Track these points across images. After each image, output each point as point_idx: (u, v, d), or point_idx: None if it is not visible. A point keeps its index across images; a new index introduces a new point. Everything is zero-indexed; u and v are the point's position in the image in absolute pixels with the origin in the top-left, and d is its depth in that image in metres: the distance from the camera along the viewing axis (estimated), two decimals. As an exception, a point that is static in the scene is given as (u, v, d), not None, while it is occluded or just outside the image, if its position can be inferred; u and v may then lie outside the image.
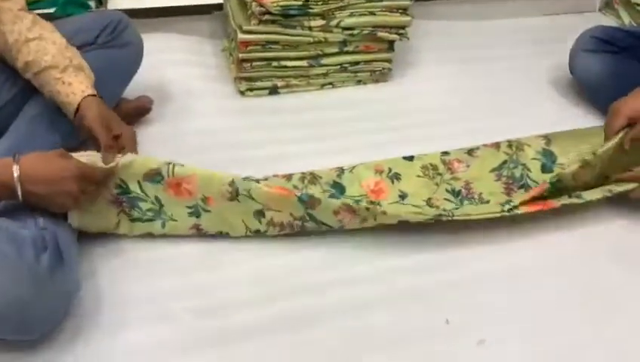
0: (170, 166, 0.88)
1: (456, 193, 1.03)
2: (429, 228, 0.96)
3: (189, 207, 0.91)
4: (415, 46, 1.42)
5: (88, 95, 0.92)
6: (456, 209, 0.98)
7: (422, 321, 0.84)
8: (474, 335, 0.83)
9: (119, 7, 1.31)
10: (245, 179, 0.91)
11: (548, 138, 1.13)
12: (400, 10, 1.33)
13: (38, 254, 0.74)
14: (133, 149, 0.95)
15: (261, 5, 1.23)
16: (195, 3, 1.46)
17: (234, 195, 0.90)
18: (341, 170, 1.06)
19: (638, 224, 1.01)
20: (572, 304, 0.88)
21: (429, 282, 0.89)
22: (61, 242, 0.79)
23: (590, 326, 0.85)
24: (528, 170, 1.08)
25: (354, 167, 1.06)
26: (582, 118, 1.27)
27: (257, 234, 0.93)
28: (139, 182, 0.89)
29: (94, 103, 0.93)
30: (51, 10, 1.34)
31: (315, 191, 1.01)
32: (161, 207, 0.90)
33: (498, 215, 0.95)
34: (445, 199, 1.02)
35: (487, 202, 1.01)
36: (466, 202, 1.01)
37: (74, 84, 0.92)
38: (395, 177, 1.05)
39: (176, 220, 0.91)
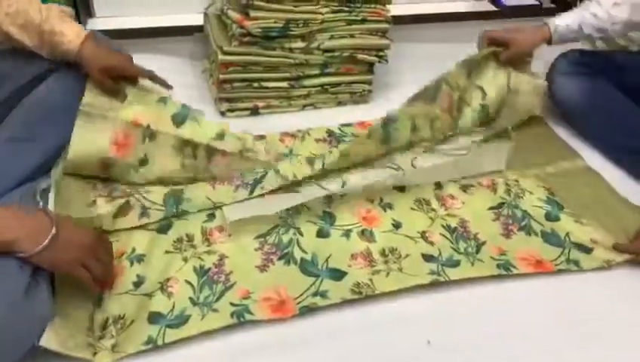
0: (160, 341, 0.79)
1: (452, 230, 0.97)
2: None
3: None
4: (394, 68, 1.41)
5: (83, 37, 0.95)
6: (453, 267, 0.89)
7: (404, 342, 0.81)
8: (457, 358, 0.80)
9: (97, 28, 1.30)
10: (239, 313, 0.82)
11: (552, 189, 1.06)
12: (379, 33, 1.32)
13: (14, 278, 0.70)
14: (134, 71, 1.01)
15: (242, 27, 1.21)
16: (176, 24, 1.44)
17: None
18: (330, 199, 1.01)
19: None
20: (558, 328, 0.85)
21: (414, 304, 0.86)
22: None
23: (576, 351, 0.82)
24: (530, 216, 1.01)
25: (344, 196, 1.02)
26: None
27: None
28: None
29: (87, 51, 0.94)
30: None
31: (300, 222, 0.96)
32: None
33: (495, 273, 0.90)
34: (441, 235, 0.96)
35: (484, 243, 0.94)
36: (461, 242, 0.95)
37: (65, 32, 0.94)
38: (388, 206, 1.01)
39: None
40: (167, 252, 0.91)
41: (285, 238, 0.93)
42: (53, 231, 0.72)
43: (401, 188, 1.05)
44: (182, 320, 0.81)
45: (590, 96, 1.20)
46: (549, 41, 1.21)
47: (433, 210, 1.01)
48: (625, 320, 0.87)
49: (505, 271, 0.89)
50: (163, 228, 0.95)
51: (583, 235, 0.96)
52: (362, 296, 0.85)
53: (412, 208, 1.01)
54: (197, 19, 1.47)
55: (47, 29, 0.93)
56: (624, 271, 0.94)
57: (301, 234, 0.94)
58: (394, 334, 0.83)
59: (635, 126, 1.16)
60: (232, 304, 0.83)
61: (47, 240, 0.72)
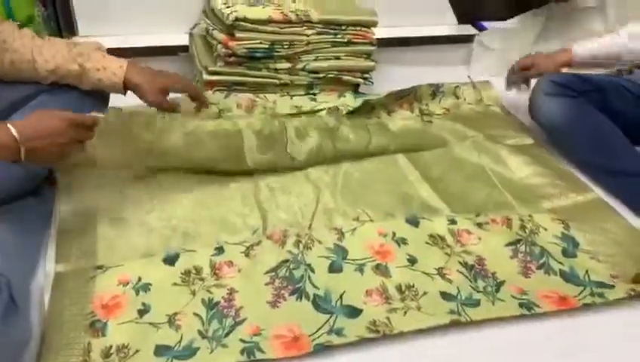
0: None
1: (469, 267, 0.92)
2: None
3: None
4: (379, 89, 1.37)
5: (125, 68, 0.98)
6: (473, 307, 0.84)
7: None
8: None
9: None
10: (250, 350, 0.76)
11: (566, 223, 1.02)
12: (364, 55, 1.31)
13: None
14: (189, 86, 1.08)
15: (227, 47, 1.19)
16: (161, 44, 1.38)
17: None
18: (341, 233, 0.95)
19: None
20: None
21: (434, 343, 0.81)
22: (15, 290, 0.73)
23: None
24: (547, 252, 0.96)
25: (355, 229, 0.96)
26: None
27: None
28: None
29: (134, 74, 0.98)
30: None
31: (311, 258, 0.90)
32: None
33: (518, 313, 0.84)
34: (458, 272, 0.90)
35: (503, 283, 0.89)
36: (480, 281, 0.89)
37: (107, 66, 0.96)
38: (402, 241, 0.95)
39: None
40: (174, 284, 0.85)
41: (297, 274, 0.87)
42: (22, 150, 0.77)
43: (414, 223, 0.99)
44: (190, 352, 0.76)
45: (572, 117, 1.20)
46: (570, 64, 1.29)
47: (448, 246, 0.95)
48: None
49: (527, 310, 0.84)
50: (170, 259, 0.89)
51: (602, 271, 0.92)
52: (380, 334, 0.79)
53: (427, 243, 0.95)
54: (182, 40, 1.43)
55: (89, 67, 0.95)
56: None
57: (312, 270, 0.88)
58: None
59: (615, 148, 1.16)
60: (241, 340, 0.77)
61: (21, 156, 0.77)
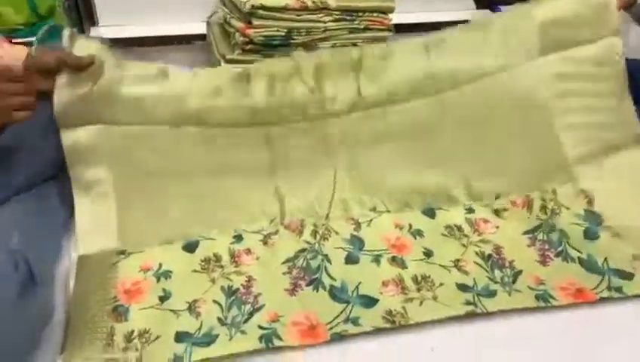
0: (189, 349, 0.75)
1: (486, 257, 0.90)
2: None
3: None
4: None
5: None
6: (489, 298, 0.83)
7: (408, 348, 0.78)
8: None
9: (101, 37, 1.27)
10: (268, 337, 0.77)
11: (589, 196, 0.96)
12: (381, 41, 1.29)
13: (7, 277, 0.69)
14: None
15: (244, 35, 1.18)
16: (178, 33, 1.38)
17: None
18: (358, 224, 0.95)
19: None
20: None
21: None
22: (34, 264, 0.74)
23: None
24: (566, 236, 0.92)
25: (371, 220, 0.96)
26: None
27: None
28: None
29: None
30: (30, 39, 1.33)
31: (327, 249, 0.90)
32: None
33: (534, 305, 0.83)
34: (475, 263, 0.88)
35: (521, 272, 0.87)
36: (497, 271, 0.87)
37: None
38: (418, 234, 0.94)
39: None
40: (194, 271, 0.86)
41: (313, 264, 0.87)
42: None
43: (430, 214, 0.97)
44: (210, 339, 0.76)
45: None
46: None
47: (465, 235, 0.93)
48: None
49: (544, 302, 0.82)
50: (190, 246, 0.90)
51: (622, 256, 0.88)
52: (395, 325, 0.79)
53: (443, 234, 0.94)
54: (199, 28, 1.45)
55: None
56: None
57: (329, 261, 0.88)
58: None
59: None
60: (260, 327, 0.78)
61: None
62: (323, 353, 0.77)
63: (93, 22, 1.41)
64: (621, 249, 0.90)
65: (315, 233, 0.92)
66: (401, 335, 0.79)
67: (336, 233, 0.93)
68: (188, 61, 1.37)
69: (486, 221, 0.96)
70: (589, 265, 0.88)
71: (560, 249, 0.91)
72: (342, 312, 0.80)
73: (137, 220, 0.91)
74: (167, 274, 0.85)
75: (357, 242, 0.92)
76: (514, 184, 1.00)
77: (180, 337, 0.77)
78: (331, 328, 0.78)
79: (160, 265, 0.86)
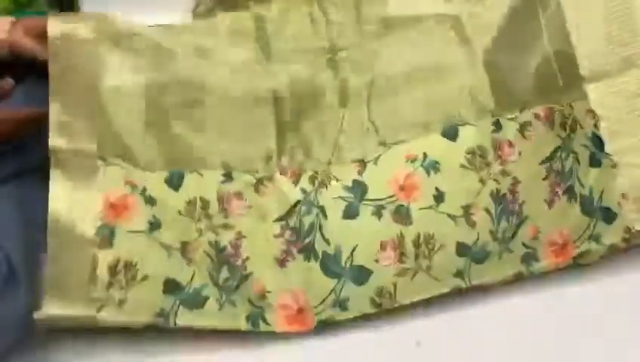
0: (171, 319, 0.75)
1: (499, 199, 0.84)
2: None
3: None
4: None
5: None
6: (479, 263, 0.84)
7: (392, 341, 0.81)
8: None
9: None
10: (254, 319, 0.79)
11: (594, 114, 0.85)
12: None
13: None
14: None
15: None
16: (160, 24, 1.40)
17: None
18: (363, 164, 0.86)
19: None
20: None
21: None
22: (15, 261, 0.74)
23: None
24: (577, 161, 0.86)
25: (379, 156, 0.86)
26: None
27: None
28: None
29: None
30: None
31: (325, 199, 0.84)
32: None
33: (516, 270, 0.84)
34: (485, 210, 0.84)
35: (524, 221, 0.86)
36: (503, 222, 0.85)
37: None
38: (432, 167, 0.85)
39: None
40: (180, 213, 0.81)
41: (307, 221, 0.83)
42: None
43: (452, 135, 0.88)
44: (198, 300, 0.77)
45: None
46: None
47: (487, 164, 0.86)
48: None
49: (526, 265, 0.84)
50: (174, 180, 0.83)
51: (613, 187, 0.85)
52: (381, 308, 0.81)
53: (462, 165, 0.86)
54: (186, 19, 1.44)
55: None
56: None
57: (325, 215, 0.83)
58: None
59: None
60: (249, 301, 0.79)
61: None
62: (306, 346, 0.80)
63: (75, 11, 1.37)
64: (614, 177, 0.87)
65: (313, 179, 0.85)
66: (387, 326, 0.83)
67: (337, 180, 0.86)
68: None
69: (510, 145, 0.88)
70: (587, 204, 0.87)
71: (569, 183, 0.87)
72: (332, 291, 0.81)
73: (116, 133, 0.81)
74: (153, 201, 0.79)
75: (358, 189, 0.85)
76: (537, 93, 0.91)
77: (169, 287, 0.76)
78: (318, 313, 0.79)
79: (144, 188, 0.79)
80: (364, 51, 0.91)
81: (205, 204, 0.82)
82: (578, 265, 0.87)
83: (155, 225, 0.77)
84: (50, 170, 0.73)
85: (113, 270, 0.73)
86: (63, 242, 0.72)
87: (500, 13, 0.92)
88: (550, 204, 0.87)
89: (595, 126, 0.87)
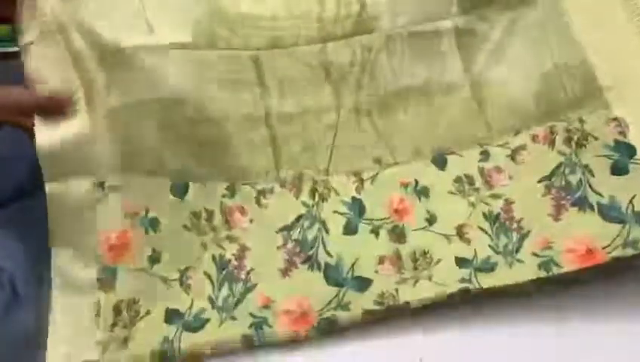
0: (176, 345, 0.74)
1: (493, 218, 0.83)
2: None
3: None
4: None
5: None
6: (487, 272, 0.80)
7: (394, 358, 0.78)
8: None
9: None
10: (258, 325, 0.77)
11: (620, 122, 0.83)
12: None
13: None
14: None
15: None
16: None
17: (249, 345, 0.77)
18: (361, 181, 0.87)
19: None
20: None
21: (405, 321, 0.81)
22: (19, 283, 0.75)
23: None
24: (590, 173, 0.82)
25: (376, 175, 0.88)
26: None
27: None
28: None
29: None
30: (17, 49, 1.28)
31: (326, 213, 0.85)
32: None
33: (534, 276, 0.78)
34: (480, 228, 0.83)
35: (528, 234, 0.81)
36: (502, 237, 0.82)
37: None
38: (422, 193, 0.86)
39: None
40: (185, 227, 0.81)
41: (310, 235, 0.84)
42: None
43: (441, 163, 0.88)
44: (200, 323, 0.76)
45: None
46: None
47: (476, 190, 0.85)
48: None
49: (546, 271, 0.78)
50: (179, 189, 0.82)
51: None
52: (384, 306, 0.79)
53: (450, 191, 0.86)
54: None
55: None
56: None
57: (327, 230, 0.84)
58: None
59: None
60: (251, 315, 0.78)
61: None
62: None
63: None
64: None
65: (314, 192, 0.86)
66: (386, 341, 0.80)
67: (337, 193, 0.87)
68: None
69: (499, 170, 0.87)
70: (609, 211, 0.80)
71: (578, 195, 0.82)
72: (335, 297, 0.80)
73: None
74: (155, 225, 0.79)
75: (357, 207, 0.86)
76: (536, 113, 0.88)
77: (170, 317, 0.75)
78: (320, 314, 0.78)
79: (147, 210, 0.79)
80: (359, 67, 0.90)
81: (210, 215, 0.83)
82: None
83: (154, 259, 0.77)
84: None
85: (117, 310, 0.73)
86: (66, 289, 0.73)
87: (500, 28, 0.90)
88: (556, 216, 0.83)
89: (621, 134, 0.83)
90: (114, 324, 0.73)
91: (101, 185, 0.78)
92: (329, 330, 0.78)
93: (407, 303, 0.79)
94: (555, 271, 0.78)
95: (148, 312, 0.75)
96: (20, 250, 0.80)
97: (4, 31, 1.24)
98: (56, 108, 0.76)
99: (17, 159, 0.88)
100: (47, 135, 0.76)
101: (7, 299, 0.72)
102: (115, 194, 0.78)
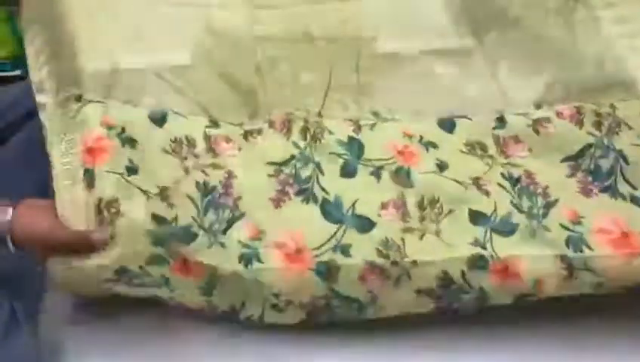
0: (168, 236, 0.67)
1: (513, 180, 0.73)
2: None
3: (200, 288, 0.69)
4: None
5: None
6: (505, 236, 0.69)
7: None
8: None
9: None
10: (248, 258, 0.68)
11: None
12: None
13: None
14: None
15: None
16: None
17: (240, 280, 0.68)
18: (358, 125, 0.78)
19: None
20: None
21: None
22: (18, 306, 0.70)
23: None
24: (625, 160, 0.75)
25: (374, 124, 0.79)
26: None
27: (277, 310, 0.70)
28: (140, 267, 0.68)
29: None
30: (17, 73, 1.25)
31: (320, 154, 0.75)
32: (167, 281, 0.69)
33: (559, 252, 0.68)
34: (499, 185, 0.73)
35: (556, 202, 0.72)
36: (525, 199, 0.72)
37: None
38: (431, 145, 0.76)
39: (184, 295, 0.70)
40: (164, 151, 0.72)
41: (303, 174, 0.74)
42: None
43: (448, 127, 0.79)
44: (189, 235, 0.67)
45: None
46: None
47: (490, 156, 0.76)
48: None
49: (574, 250, 0.67)
50: (157, 117, 0.74)
51: None
52: (389, 259, 0.67)
53: (461, 151, 0.77)
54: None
55: None
56: None
57: (322, 171, 0.74)
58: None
59: None
60: (240, 242, 0.68)
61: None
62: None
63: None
64: None
65: (305, 132, 0.77)
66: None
67: (331, 133, 0.77)
68: None
69: (518, 141, 0.78)
70: None
71: (608, 183, 0.74)
72: (332, 237, 0.69)
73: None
74: (132, 143, 0.71)
75: (355, 147, 0.76)
76: (560, 89, 0.81)
77: (157, 219, 0.67)
78: (317, 256, 0.68)
79: (123, 128, 0.72)
80: None
81: (192, 142, 0.74)
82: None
83: (131, 169, 0.70)
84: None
85: (98, 208, 0.67)
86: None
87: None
88: (586, 194, 0.74)
89: None
90: (100, 221, 0.67)
91: (79, 98, 0.74)
92: (327, 277, 0.68)
93: (415, 263, 0.68)
94: (586, 252, 0.68)
95: (129, 211, 0.67)
96: (18, 272, 0.74)
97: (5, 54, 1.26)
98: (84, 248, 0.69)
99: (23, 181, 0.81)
100: None
101: (6, 320, 0.67)
102: (93, 104, 0.73)
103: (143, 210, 0.67)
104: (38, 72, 0.76)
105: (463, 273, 0.67)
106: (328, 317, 0.71)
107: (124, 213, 0.66)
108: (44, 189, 0.72)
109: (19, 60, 1.25)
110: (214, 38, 0.81)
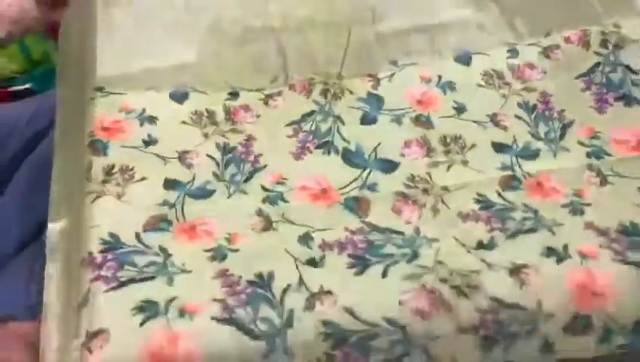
0: (178, 208, 0.67)
1: (530, 108, 0.77)
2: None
3: (208, 250, 0.62)
4: None
5: None
6: (530, 159, 0.71)
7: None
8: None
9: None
10: (273, 199, 0.68)
11: None
12: None
13: None
14: None
15: None
16: None
17: (267, 225, 0.65)
18: (376, 80, 0.81)
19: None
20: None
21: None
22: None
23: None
24: (633, 71, 0.79)
25: (393, 75, 0.81)
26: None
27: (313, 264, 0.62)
28: (137, 234, 0.63)
29: None
30: (27, 86, 1.29)
31: (341, 107, 0.77)
32: (167, 257, 0.61)
33: (584, 163, 0.70)
34: (516, 117, 0.76)
35: (572, 124, 0.75)
36: (542, 125, 0.75)
37: None
38: (448, 86, 0.80)
39: (190, 271, 0.60)
40: (183, 122, 0.76)
41: (323, 127, 0.76)
42: None
43: (465, 60, 0.83)
44: (205, 192, 0.68)
45: None
46: None
47: (506, 83, 0.80)
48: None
49: (596, 158, 0.70)
50: (178, 96, 0.78)
51: None
52: (418, 189, 0.68)
53: (479, 84, 0.80)
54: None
55: None
56: None
57: (342, 122, 0.76)
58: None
59: None
60: (263, 187, 0.69)
61: None
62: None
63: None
64: None
65: (325, 92, 0.79)
66: None
67: (351, 92, 0.79)
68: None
69: (532, 67, 0.81)
70: None
71: (622, 91, 0.77)
72: (357, 178, 0.70)
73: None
74: (152, 120, 0.75)
75: (374, 101, 0.78)
76: (567, 17, 0.84)
77: (170, 184, 0.68)
78: (344, 193, 0.68)
79: (144, 110, 0.76)
80: None
81: (211, 114, 0.77)
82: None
83: (150, 142, 0.73)
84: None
85: (108, 171, 0.68)
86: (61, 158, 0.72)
87: None
88: (600, 110, 0.77)
89: None
90: (104, 181, 0.67)
91: (101, 89, 0.77)
92: (358, 209, 0.67)
93: (446, 188, 0.69)
94: (607, 158, 0.71)
95: (143, 178, 0.68)
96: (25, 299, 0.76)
97: (16, 68, 1.28)
98: None
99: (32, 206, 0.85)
100: None
101: None
102: (114, 96, 0.77)
103: (158, 174, 0.69)
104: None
105: (498, 193, 0.68)
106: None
107: (137, 180, 0.68)
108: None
109: (28, 74, 1.28)
110: (228, 24, 0.84)
